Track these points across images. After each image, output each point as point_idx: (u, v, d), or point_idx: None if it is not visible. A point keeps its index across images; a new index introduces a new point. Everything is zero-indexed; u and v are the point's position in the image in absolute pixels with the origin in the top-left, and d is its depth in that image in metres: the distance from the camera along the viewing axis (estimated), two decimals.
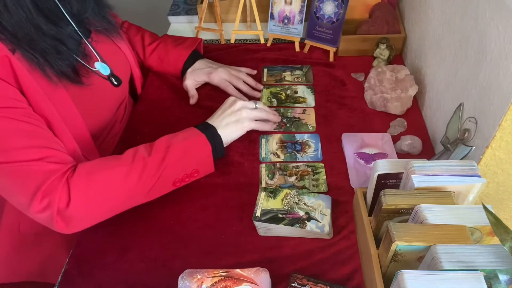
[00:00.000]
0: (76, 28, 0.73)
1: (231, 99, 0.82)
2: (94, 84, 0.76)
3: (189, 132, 0.75)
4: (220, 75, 0.95)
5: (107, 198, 0.67)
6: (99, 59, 0.78)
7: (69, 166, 0.65)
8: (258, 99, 0.96)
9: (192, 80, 0.96)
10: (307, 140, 0.86)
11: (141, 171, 0.67)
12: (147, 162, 0.68)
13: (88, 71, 0.74)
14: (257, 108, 0.83)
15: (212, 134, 0.76)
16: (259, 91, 0.98)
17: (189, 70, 0.97)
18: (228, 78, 0.96)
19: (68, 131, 0.70)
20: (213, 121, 0.79)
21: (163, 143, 0.71)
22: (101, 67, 0.78)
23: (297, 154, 0.83)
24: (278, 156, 0.82)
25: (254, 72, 1.01)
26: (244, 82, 0.97)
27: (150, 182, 0.68)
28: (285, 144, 0.85)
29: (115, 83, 0.81)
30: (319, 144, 0.85)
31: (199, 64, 0.98)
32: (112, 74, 0.80)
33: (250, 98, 0.96)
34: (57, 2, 0.68)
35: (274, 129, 0.88)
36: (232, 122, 0.78)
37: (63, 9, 0.70)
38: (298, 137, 0.87)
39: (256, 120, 0.82)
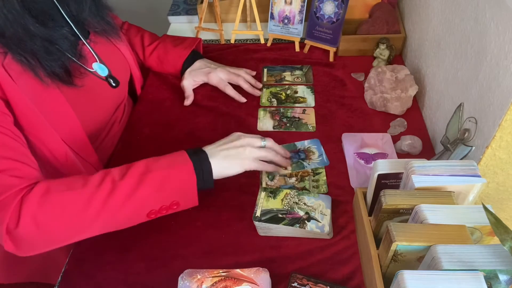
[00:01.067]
0: (75, 29, 0.73)
1: (237, 133, 0.73)
2: (91, 85, 0.76)
3: (175, 157, 0.66)
4: (219, 75, 0.95)
5: (62, 223, 0.60)
6: (97, 60, 0.78)
7: (30, 183, 0.60)
8: (258, 97, 0.96)
9: (190, 80, 0.96)
10: (308, 147, 0.84)
11: (107, 196, 0.60)
12: (116, 187, 0.60)
13: (83, 72, 0.74)
14: (264, 147, 0.73)
15: (201, 162, 0.67)
16: (259, 89, 0.98)
17: (188, 70, 0.97)
18: (227, 78, 0.95)
19: (56, 134, 0.69)
20: (209, 148, 0.70)
21: (141, 167, 0.63)
22: (99, 68, 0.78)
23: (304, 163, 0.81)
24: (286, 169, 0.80)
25: (253, 73, 1.01)
26: (244, 80, 0.97)
27: (118, 210, 0.61)
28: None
29: (113, 84, 0.81)
30: (322, 149, 0.84)
31: (198, 64, 0.97)
32: (110, 75, 0.80)
33: (250, 96, 0.96)
34: (56, 3, 0.68)
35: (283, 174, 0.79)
36: (231, 156, 0.69)
37: (62, 10, 0.69)
38: (299, 145, 0.85)
39: (260, 160, 0.73)
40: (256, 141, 0.72)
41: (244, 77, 0.97)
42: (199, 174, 0.65)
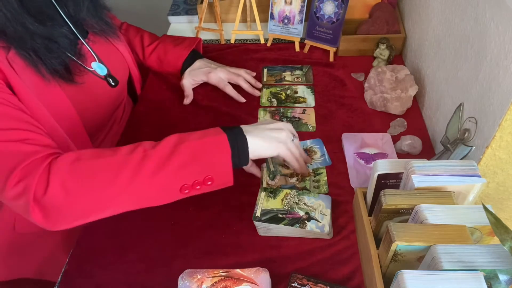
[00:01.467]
0: (73, 29, 0.73)
1: (270, 120, 0.72)
2: (90, 83, 0.76)
3: (210, 130, 0.64)
4: (219, 75, 0.95)
5: (92, 191, 0.56)
6: (96, 60, 0.78)
7: (52, 151, 0.59)
8: (258, 97, 0.96)
9: (190, 80, 0.96)
10: (311, 147, 0.84)
11: (139, 165, 0.57)
12: (148, 156, 0.57)
13: (83, 70, 0.74)
14: (293, 141, 0.71)
15: (236, 136, 0.63)
16: (259, 89, 0.98)
17: (188, 69, 0.97)
18: (227, 78, 0.95)
19: (60, 127, 0.70)
20: (246, 126, 0.67)
21: (174, 138, 0.61)
22: (98, 67, 0.78)
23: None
24: (288, 168, 0.80)
25: (254, 74, 1.01)
26: (244, 80, 0.97)
27: (149, 181, 0.57)
28: None
29: (112, 83, 0.81)
30: (324, 149, 0.83)
31: (198, 63, 0.98)
32: (109, 75, 0.80)
33: (250, 96, 0.96)
34: (54, 2, 0.69)
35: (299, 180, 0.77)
36: (269, 137, 0.66)
37: (60, 10, 0.70)
38: (301, 145, 0.84)
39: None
40: (292, 129, 0.71)
41: (244, 77, 0.97)
42: (234, 148, 0.62)
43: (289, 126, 0.71)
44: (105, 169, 0.57)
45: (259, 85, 0.98)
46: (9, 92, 0.63)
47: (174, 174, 0.59)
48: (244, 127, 0.66)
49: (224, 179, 0.63)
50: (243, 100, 0.95)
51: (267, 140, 0.66)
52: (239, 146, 0.63)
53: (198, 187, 0.61)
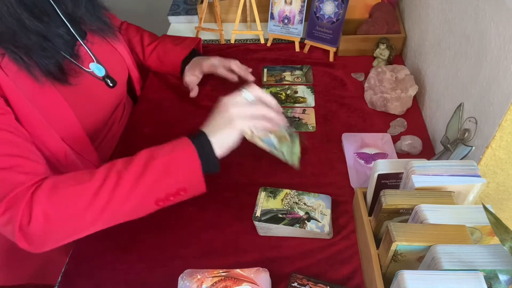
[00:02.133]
0: (71, 29, 0.73)
1: (220, 100, 0.67)
2: (88, 84, 0.76)
3: (179, 142, 0.64)
4: (211, 61, 0.95)
5: (72, 217, 0.60)
6: (94, 60, 0.78)
7: (38, 178, 0.61)
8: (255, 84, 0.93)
9: (190, 76, 0.96)
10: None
11: (114, 187, 0.60)
12: (121, 177, 0.60)
13: (79, 71, 0.74)
14: (249, 101, 0.66)
15: (202, 144, 0.63)
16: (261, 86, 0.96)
17: (187, 67, 0.97)
18: (219, 64, 0.95)
19: (56, 135, 0.69)
20: (206, 127, 0.66)
21: (145, 156, 0.62)
22: (95, 68, 0.78)
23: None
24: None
25: (249, 70, 0.99)
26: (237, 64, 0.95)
27: (125, 200, 0.60)
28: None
29: (110, 84, 0.81)
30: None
31: (194, 59, 0.97)
32: (107, 76, 0.80)
33: (243, 82, 0.94)
34: (51, 1, 0.68)
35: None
36: (222, 125, 0.64)
37: (58, 9, 0.69)
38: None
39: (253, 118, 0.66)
40: (238, 96, 0.65)
41: (237, 63, 0.96)
42: (203, 158, 0.62)
43: (230, 98, 0.65)
44: (82, 195, 0.59)
45: (251, 78, 0.95)
46: (4, 108, 0.62)
47: (148, 192, 0.61)
48: (207, 131, 0.65)
49: (197, 188, 0.64)
50: (235, 78, 0.93)
51: (224, 129, 0.64)
52: (208, 154, 0.63)
53: (171, 198, 0.63)
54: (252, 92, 0.65)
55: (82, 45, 0.76)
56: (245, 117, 0.64)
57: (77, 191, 0.59)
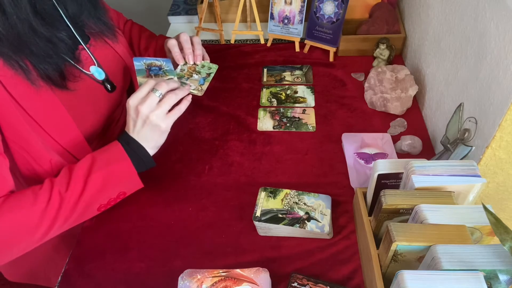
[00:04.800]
0: (74, 33, 0.73)
1: (131, 107, 0.69)
2: (87, 88, 0.75)
3: (113, 153, 0.69)
4: (173, 39, 0.88)
5: (19, 240, 0.64)
6: (95, 64, 0.77)
7: None
8: (258, 97, 0.95)
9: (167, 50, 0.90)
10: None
11: (58, 208, 0.64)
12: (63, 198, 0.64)
13: (79, 75, 0.73)
14: (160, 96, 0.69)
15: (135, 150, 0.69)
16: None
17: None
18: (177, 40, 0.88)
19: (41, 143, 0.69)
20: (136, 134, 0.70)
21: (82, 171, 0.66)
22: (96, 71, 0.77)
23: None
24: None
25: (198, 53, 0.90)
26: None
27: (69, 216, 0.65)
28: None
29: (109, 88, 0.80)
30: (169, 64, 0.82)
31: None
32: (107, 80, 0.80)
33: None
34: (55, 4, 0.68)
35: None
36: (149, 132, 0.69)
37: (61, 12, 0.69)
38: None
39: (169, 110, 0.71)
40: (152, 98, 0.69)
41: (185, 36, 0.89)
42: (139, 165, 0.70)
43: (145, 106, 0.68)
44: (28, 220, 0.63)
45: (182, 61, 0.88)
46: None
47: (90, 203, 0.67)
48: (137, 138, 0.70)
49: (135, 187, 0.72)
50: (182, 60, 0.87)
51: (154, 135, 0.70)
52: (142, 157, 0.70)
53: (112, 202, 0.71)
54: (160, 90, 0.69)
55: (85, 49, 0.76)
56: (165, 117, 0.70)
57: (22, 217, 0.62)
